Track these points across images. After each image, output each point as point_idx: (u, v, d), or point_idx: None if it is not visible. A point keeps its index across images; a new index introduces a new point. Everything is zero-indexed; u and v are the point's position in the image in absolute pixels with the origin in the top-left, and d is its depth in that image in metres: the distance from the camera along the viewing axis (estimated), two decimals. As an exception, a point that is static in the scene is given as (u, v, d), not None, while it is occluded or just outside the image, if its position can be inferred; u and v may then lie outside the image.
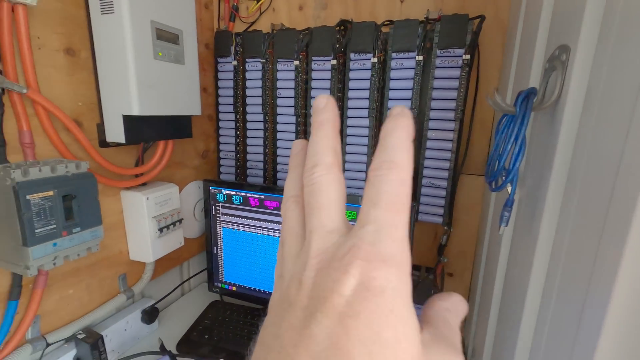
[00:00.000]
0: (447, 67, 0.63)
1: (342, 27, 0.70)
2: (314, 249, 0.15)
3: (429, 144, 0.67)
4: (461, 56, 0.62)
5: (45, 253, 0.47)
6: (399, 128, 0.15)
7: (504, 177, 0.39)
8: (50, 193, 0.47)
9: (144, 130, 0.60)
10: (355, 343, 0.12)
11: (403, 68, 0.66)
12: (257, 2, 0.82)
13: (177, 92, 0.64)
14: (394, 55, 0.66)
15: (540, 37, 0.41)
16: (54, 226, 0.48)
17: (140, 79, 0.55)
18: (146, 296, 0.78)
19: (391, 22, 0.66)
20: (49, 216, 0.47)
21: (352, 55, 0.69)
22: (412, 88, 0.66)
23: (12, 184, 0.44)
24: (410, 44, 0.64)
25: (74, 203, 0.50)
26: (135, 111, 0.56)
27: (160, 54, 0.58)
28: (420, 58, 0.64)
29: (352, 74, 0.70)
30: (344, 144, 0.74)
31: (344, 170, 0.75)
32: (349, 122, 0.73)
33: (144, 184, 0.69)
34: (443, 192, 0.68)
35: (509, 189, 0.37)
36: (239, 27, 0.85)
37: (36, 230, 0.46)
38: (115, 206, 0.66)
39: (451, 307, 0.17)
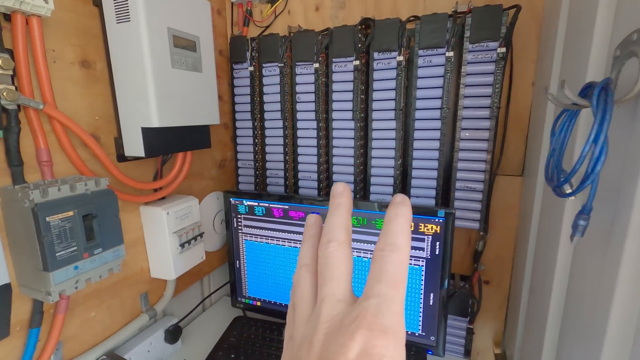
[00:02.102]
0: (480, 62, 0.59)
1: (363, 26, 0.67)
2: (324, 315, 0.17)
3: (462, 144, 0.63)
4: (495, 50, 0.58)
5: (66, 277, 0.45)
6: (400, 215, 0.18)
7: (562, 179, 0.34)
8: (70, 213, 0.45)
9: (164, 142, 0.58)
10: None
11: (431, 65, 0.62)
12: (272, 5, 0.79)
13: (196, 101, 0.61)
14: (420, 52, 0.63)
15: (600, 23, 0.37)
16: (75, 248, 0.45)
17: (158, 89, 0.52)
18: (168, 314, 0.75)
19: (416, 17, 0.63)
20: (70, 238, 0.45)
21: (375, 55, 0.66)
22: (442, 86, 0.62)
23: (31, 206, 0.41)
24: (439, 39, 0.60)
25: (95, 222, 0.48)
26: (155, 123, 0.53)
27: (178, 62, 0.56)
28: (451, 54, 0.60)
29: (376, 74, 0.66)
30: (369, 147, 0.70)
31: (372, 175, 0.71)
32: (375, 124, 0.69)
33: (163, 198, 0.67)
34: (479, 195, 0.64)
35: (576, 193, 0.32)
36: (253, 31, 0.83)
37: (57, 254, 0.43)
38: (135, 222, 0.64)
39: None
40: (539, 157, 0.55)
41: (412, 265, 0.59)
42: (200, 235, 0.70)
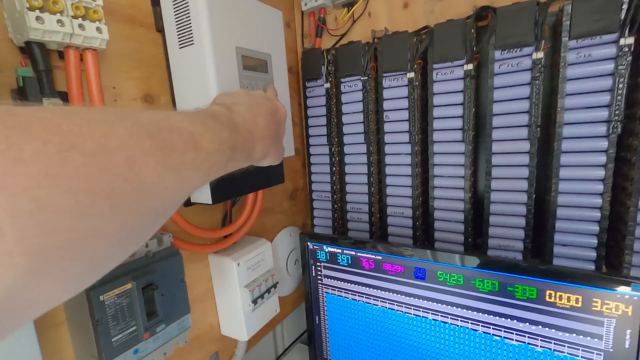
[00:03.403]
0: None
1: (477, 18, 0.50)
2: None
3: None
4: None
5: (125, 365, 0.36)
6: None
7: None
8: (128, 286, 0.36)
9: (232, 185, 0.48)
10: None
11: (590, 61, 0.43)
12: (349, 10, 0.67)
13: (268, 132, 0.50)
14: (572, 43, 0.44)
15: None
16: (134, 328, 0.37)
17: (227, 122, 0.43)
18: (240, 373, 0.66)
19: (566, -5, 0.44)
20: (128, 317, 0.36)
21: (497, 54, 0.48)
22: (610, 89, 0.43)
23: (83, 281, 0.33)
24: (608, 21, 0.41)
25: (157, 293, 0.39)
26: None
27: (247, 87, 0.46)
28: (629, 41, 0.40)
29: (498, 80, 0.49)
30: (489, 176, 0.52)
31: (491, 214, 0.53)
32: (495, 146, 0.51)
33: (232, 244, 0.57)
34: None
35: None
36: (327, 42, 0.71)
37: (113, 340, 0.35)
38: (203, 273, 0.55)
39: None
40: None
41: (579, 358, 0.40)
42: (274, 285, 0.60)
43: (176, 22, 0.42)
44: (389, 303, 0.53)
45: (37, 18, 0.30)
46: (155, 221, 0.20)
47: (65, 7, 0.32)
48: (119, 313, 0.35)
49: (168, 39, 0.44)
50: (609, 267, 0.49)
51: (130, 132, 0.17)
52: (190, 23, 0.41)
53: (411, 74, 0.56)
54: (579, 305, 0.39)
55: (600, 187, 0.45)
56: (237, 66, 0.44)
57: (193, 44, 0.41)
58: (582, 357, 0.39)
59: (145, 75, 0.46)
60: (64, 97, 0.36)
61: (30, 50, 0.32)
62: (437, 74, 0.54)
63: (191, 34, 0.41)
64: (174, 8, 0.42)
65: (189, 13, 0.41)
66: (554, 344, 0.41)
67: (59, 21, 0.32)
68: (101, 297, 0.34)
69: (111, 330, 0.35)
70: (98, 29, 0.35)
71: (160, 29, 0.45)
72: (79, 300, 0.34)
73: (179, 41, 0.42)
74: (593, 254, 0.47)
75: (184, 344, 0.43)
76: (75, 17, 0.33)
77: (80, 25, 0.33)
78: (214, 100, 0.34)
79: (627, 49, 0.41)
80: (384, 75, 0.59)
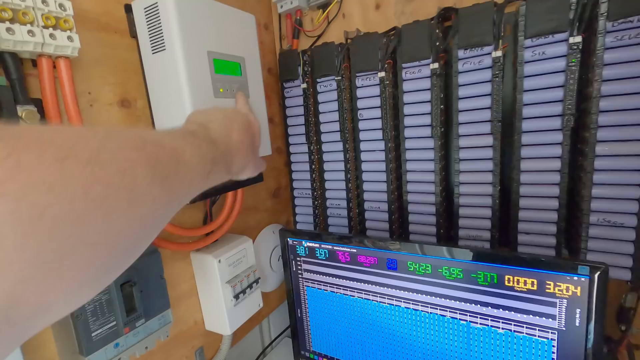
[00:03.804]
0: (626, 46, 0.41)
1: (441, 19, 0.53)
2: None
3: (598, 163, 0.45)
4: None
5: (106, 358, 0.38)
6: None
7: None
8: (107, 283, 0.38)
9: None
10: None
11: (545, 58, 0.46)
12: (324, 11, 0.69)
13: (244, 132, 0.52)
14: (528, 42, 0.46)
15: None
16: (114, 323, 0.38)
17: (200, 124, 0.44)
18: (226, 367, 0.68)
19: (519, -3, 0.47)
20: (107, 312, 0.38)
21: (460, 53, 0.51)
22: (563, 85, 0.45)
23: (62, 280, 0.35)
24: (558, 21, 0.43)
25: (135, 289, 0.41)
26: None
27: (221, 89, 0.48)
28: (577, 39, 0.43)
29: (462, 77, 0.51)
30: (454, 170, 0.55)
31: (460, 206, 0.56)
32: (463, 141, 0.54)
33: (215, 241, 0.59)
34: (630, 234, 0.45)
35: None
36: (304, 43, 0.73)
37: (93, 334, 0.36)
38: (186, 271, 0.57)
39: None
40: None
41: (536, 338, 0.42)
42: (257, 281, 0.62)
43: (148, 28, 0.44)
44: (364, 294, 0.55)
45: (8, 29, 0.32)
46: (148, 232, 0.20)
47: (35, 17, 0.34)
48: (97, 309, 0.37)
49: (141, 44, 0.45)
50: (569, 253, 0.52)
51: (119, 146, 0.18)
52: (161, 29, 0.42)
53: (382, 74, 0.58)
54: (535, 288, 0.41)
55: (557, 177, 0.48)
56: (209, 70, 0.46)
57: (165, 49, 0.43)
58: (538, 336, 0.42)
59: (121, 80, 0.47)
60: (38, 104, 0.37)
61: (2, 60, 0.33)
62: (406, 73, 0.56)
63: (163, 39, 0.43)
64: (146, 15, 0.43)
65: (159, 19, 0.42)
66: (514, 325, 0.44)
67: (29, 31, 0.33)
68: (80, 294, 0.35)
69: (91, 326, 0.36)
70: (69, 37, 0.36)
71: (134, 35, 0.47)
72: (59, 298, 0.36)
73: (152, 47, 0.44)
74: (553, 241, 0.50)
75: (166, 338, 0.45)
76: (45, 27, 0.34)
77: (52, 35, 0.35)
78: (188, 119, 0.35)
79: (575, 47, 0.43)
80: (357, 75, 0.61)
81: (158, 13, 0.42)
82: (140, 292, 0.41)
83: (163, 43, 0.43)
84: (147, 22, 0.43)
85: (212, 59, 0.46)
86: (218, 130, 0.32)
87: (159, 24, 0.42)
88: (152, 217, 0.20)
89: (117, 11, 0.46)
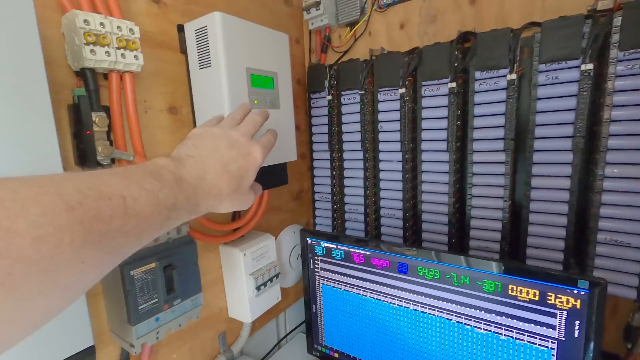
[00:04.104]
0: (636, 75, 0.43)
1: (461, 42, 0.56)
2: (242, 131, 0.38)
3: (607, 184, 0.47)
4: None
5: (148, 330, 0.44)
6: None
7: None
8: (153, 265, 0.44)
9: (241, 185, 0.56)
10: None
11: (557, 83, 0.48)
12: (352, 29, 0.74)
13: (273, 139, 0.58)
14: (542, 67, 0.49)
15: None
16: (156, 300, 0.45)
17: (237, 132, 0.50)
18: (244, 354, 0.73)
19: (535, 24, 0.50)
20: (152, 290, 0.44)
21: (477, 74, 0.54)
22: (574, 108, 0.48)
23: (118, 259, 0.42)
24: (571, 48, 0.46)
25: (175, 273, 0.47)
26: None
27: (255, 101, 0.54)
28: (589, 67, 0.46)
29: (478, 97, 0.55)
30: (468, 184, 0.58)
31: (472, 218, 0.59)
32: (475, 157, 0.57)
33: (241, 237, 0.65)
34: (637, 254, 0.46)
35: None
36: (331, 58, 0.78)
37: (139, 307, 0.43)
38: (215, 261, 0.63)
39: None
40: None
41: (537, 346, 0.45)
42: (277, 275, 0.67)
43: (197, 47, 0.50)
44: (376, 294, 0.59)
45: (91, 51, 0.39)
46: (77, 294, 0.19)
47: (111, 40, 0.41)
48: (144, 286, 0.43)
49: (190, 60, 0.52)
50: (579, 268, 0.53)
51: (45, 209, 0.17)
52: (208, 49, 0.49)
53: (403, 90, 0.62)
54: (536, 298, 0.44)
55: (566, 195, 0.50)
56: (246, 84, 0.52)
57: (210, 66, 0.49)
58: (539, 345, 0.45)
59: (171, 90, 0.54)
60: (107, 110, 0.44)
61: (84, 74, 0.41)
62: (425, 90, 0.60)
63: (209, 57, 0.49)
64: (196, 36, 0.50)
65: (207, 40, 0.49)
66: (516, 332, 0.46)
67: (106, 52, 0.40)
68: (131, 272, 0.42)
69: (138, 300, 0.43)
70: (136, 56, 0.43)
71: (184, 51, 0.54)
72: (114, 273, 0.42)
73: (199, 63, 0.51)
74: (561, 256, 0.52)
75: (197, 318, 0.51)
76: (118, 47, 0.42)
77: (122, 55, 0.42)
78: (181, 143, 0.36)
79: (587, 74, 0.46)
80: (379, 89, 0.65)
81: (207, 35, 0.48)
82: (178, 275, 0.47)
83: (209, 60, 0.49)
84: (197, 41, 0.50)
85: (249, 74, 0.52)
86: (192, 168, 0.30)
87: (207, 44, 0.49)
88: (80, 282, 0.19)
89: (171, 30, 0.54)
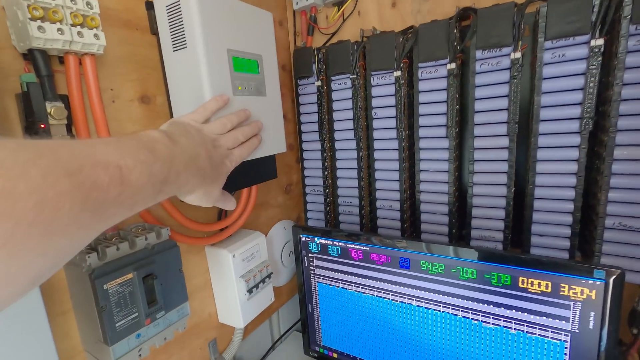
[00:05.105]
0: (649, 50, 0.41)
1: (460, 19, 0.52)
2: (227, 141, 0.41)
3: (615, 167, 0.45)
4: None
5: (128, 349, 0.39)
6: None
7: None
8: (130, 276, 0.39)
9: (227, 181, 0.50)
10: None
11: (564, 60, 0.45)
12: (339, 9, 0.68)
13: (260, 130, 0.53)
14: (548, 44, 0.46)
15: None
16: (136, 315, 0.40)
17: (219, 122, 0.45)
18: (237, 359, 0.69)
19: (540, -3, 0.46)
20: (130, 304, 0.39)
21: (478, 54, 0.51)
22: (582, 88, 0.45)
23: (88, 272, 0.36)
24: (580, 23, 0.43)
25: (156, 283, 0.42)
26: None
27: (240, 87, 0.48)
28: (599, 42, 0.43)
29: (479, 78, 0.51)
30: (468, 171, 0.55)
31: (473, 206, 0.56)
32: (477, 142, 0.54)
33: (228, 237, 0.60)
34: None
35: None
36: (318, 41, 0.73)
37: (116, 325, 0.38)
38: (201, 265, 0.58)
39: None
40: None
41: (549, 340, 0.43)
42: (269, 276, 0.63)
43: (169, 26, 0.44)
44: (376, 291, 0.56)
45: (39, 27, 0.32)
46: (64, 259, 0.19)
47: (64, 16, 0.34)
48: (121, 300, 0.38)
49: (162, 42, 0.46)
50: (583, 256, 0.52)
51: (45, 172, 0.16)
52: (183, 27, 0.43)
53: (398, 73, 0.58)
54: (549, 290, 0.42)
55: (573, 180, 0.48)
56: (228, 68, 0.46)
57: (186, 47, 0.43)
58: (551, 338, 0.43)
59: (142, 77, 0.48)
60: (65, 100, 0.38)
61: (32, 57, 0.34)
62: (422, 72, 0.56)
63: (184, 37, 0.43)
64: (167, 13, 0.44)
65: (181, 18, 0.43)
66: (527, 326, 0.44)
67: (59, 29, 0.34)
68: (105, 286, 0.37)
69: (115, 317, 0.38)
70: (96, 35, 0.37)
71: (155, 32, 0.47)
72: (84, 288, 0.37)
73: (173, 44, 0.45)
74: (567, 244, 0.50)
75: (183, 329, 0.46)
76: (74, 25, 0.35)
77: (79, 33, 0.36)
78: (170, 121, 0.36)
79: (597, 50, 0.43)
80: (372, 73, 0.61)
81: (180, 11, 0.42)
82: (160, 284, 0.42)
83: (184, 41, 0.43)
84: (169, 19, 0.44)
85: (231, 56, 0.46)
86: (186, 145, 0.31)
87: (180, 21, 0.43)
88: (73, 245, 0.19)
89: (138, 8, 0.47)
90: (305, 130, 0.73)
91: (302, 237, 0.63)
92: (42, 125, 0.35)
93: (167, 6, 0.43)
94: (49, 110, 0.35)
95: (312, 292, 0.64)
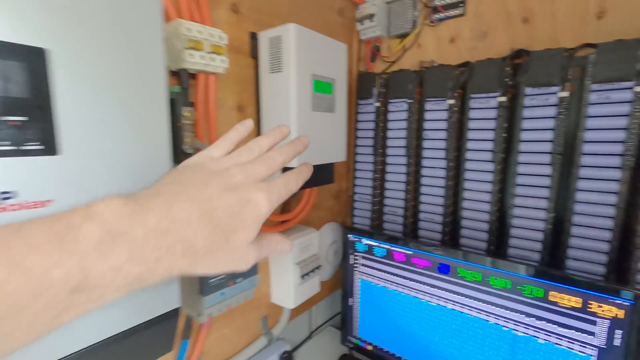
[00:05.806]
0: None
1: (513, 59, 0.59)
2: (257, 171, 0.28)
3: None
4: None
5: (215, 302, 0.50)
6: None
7: None
8: (223, 245, 0.50)
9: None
10: None
11: (610, 102, 0.51)
12: (401, 41, 0.78)
13: (327, 141, 0.63)
14: (594, 87, 0.51)
15: None
16: (223, 276, 0.50)
17: (300, 131, 0.56)
18: (280, 338, 0.78)
19: (591, 45, 0.52)
20: (220, 267, 0.50)
21: (528, 90, 0.57)
22: (625, 127, 0.50)
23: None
24: (625, 71, 0.48)
25: (239, 254, 0.52)
26: (294, 163, 0.56)
27: (317, 104, 0.59)
28: (643, 88, 0.48)
29: (527, 112, 0.57)
30: (509, 193, 0.61)
31: (512, 227, 0.61)
32: (521, 168, 0.59)
33: (288, 229, 0.70)
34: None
35: None
36: (379, 66, 0.83)
37: (210, 281, 0.48)
38: (263, 249, 0.68)
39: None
40: None
41: (575, 352, 0.47)
42: (318, 267, 0.71)
43: (270, 53, 0.56)
44: (414, 291, 0.62)
45: (190, 54, 0.45)
46: None
47: (205, 46, 0.47)
48: (215, 263, 0.49)
49: (261, 65, 0.58)
50: (617, 273, 0.55)
51: None
52: (281, 55, 0.54)
53: (451, 101, 0.65)
54: (578, 306, 0.46)
55: (612, 210, 0.52)
56: (310, 89, 0.57)
57: (281, 71, 0.55)
58: (578, 351, 0.47)
59: (240, 90, 0.60)
60: (191, 106, 0.50)
61: (180, 74, 0.47)
62: (474, 102, 0.63)
63: (281, 63, 0.55)
64: (270, 43, 0.56)
65: (281, 48, 0.54)
66: (555, 337, 0.48)
67: (201, 56, 0.46)
68: (207, 249, 0.48)
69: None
70: (222, 60, 0.49)
71: (254, 56, 0.60)
72: (191, 250, 0.48)
73: (270, 68, 0.56)
74: (601, 269, 0.54)
75: (251, 297, 0.56)
76: (210, 52, 0.48)
77: (212, 58, 0.48)
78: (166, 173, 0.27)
79: (641, 95, 0.48)
80: (427, 99, 0.69)
81: (281, 44, 0.54)
82: (242, 256, 0.53)
83: (281, 66, 0.55)
84: (270, 48, 0.56)
85: (313, 80, 0.57)
86: (155, 212, 0.21)
87: (279, 51, 0.54)
88: None
89: (244, 37, 0.60)
90: (360, 144, 0.82)
91: (350, 237, 0.71)
92: (178, 124, 0.48)
93: (270, 38, 0.55)
94: (184, 113, 0.48)
95: (354, 287, 0.72)
